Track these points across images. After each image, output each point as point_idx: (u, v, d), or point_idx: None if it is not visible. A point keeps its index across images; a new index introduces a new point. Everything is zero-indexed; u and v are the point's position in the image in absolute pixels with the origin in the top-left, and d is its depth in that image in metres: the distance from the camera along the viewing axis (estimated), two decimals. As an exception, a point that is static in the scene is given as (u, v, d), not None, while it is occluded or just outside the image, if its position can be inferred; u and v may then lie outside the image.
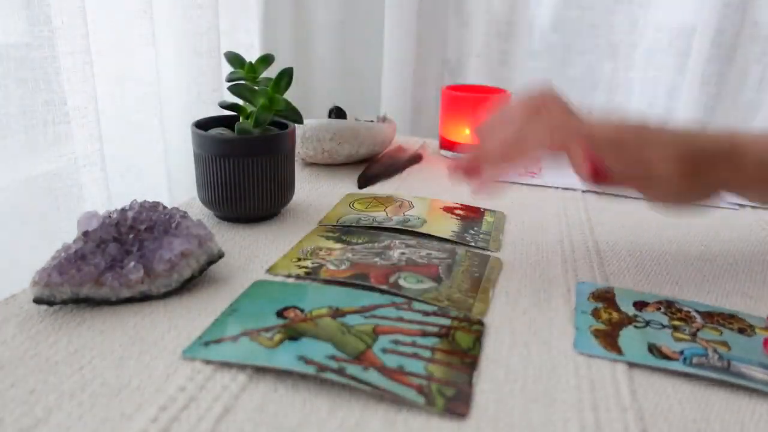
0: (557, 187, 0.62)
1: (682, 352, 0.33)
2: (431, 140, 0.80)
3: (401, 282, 0.39)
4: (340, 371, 0.29)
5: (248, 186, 0.46)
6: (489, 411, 0.28)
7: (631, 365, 0.32)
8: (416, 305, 0.36)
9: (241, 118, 0.49)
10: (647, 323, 0.36)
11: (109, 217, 0.37)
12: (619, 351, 0.33)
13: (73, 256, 0.34)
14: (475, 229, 0.49)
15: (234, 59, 0.48)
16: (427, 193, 0.58)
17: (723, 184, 0.40)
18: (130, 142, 0.72)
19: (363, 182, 0.61)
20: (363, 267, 0.41)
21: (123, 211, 0.37)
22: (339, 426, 0.26)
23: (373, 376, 0.29)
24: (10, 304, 0.35)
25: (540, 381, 0.30)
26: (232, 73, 0.47)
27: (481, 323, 0.35)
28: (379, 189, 0.59)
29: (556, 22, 1.07)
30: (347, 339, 0.32)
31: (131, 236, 0.36)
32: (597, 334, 0.34)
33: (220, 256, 0.39)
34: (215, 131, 0.47)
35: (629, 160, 0.38)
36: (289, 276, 0.39)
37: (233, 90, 0.46)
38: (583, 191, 0.60)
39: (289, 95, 0.47)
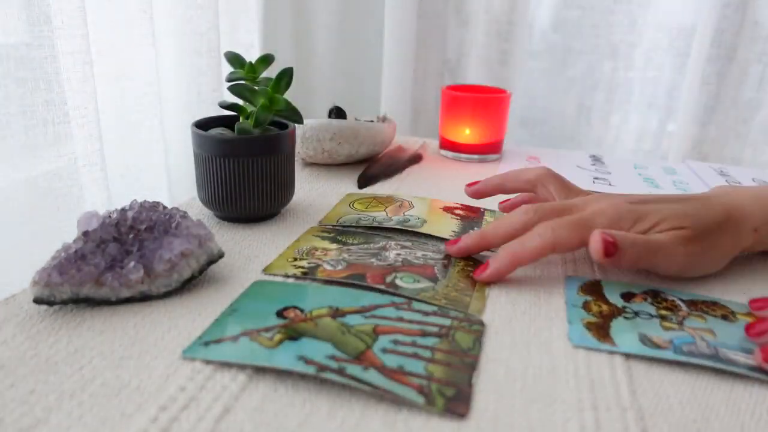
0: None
1: (672, 341, 0.33)
2: (431, 140, 0.80)
3: (398, 282, 0.39)
4: (340, 371, 0.29)
5: (248, 186, 0.46)
6: (489, 411, 0.28)
7: (628, 357, 0.32)
8: (416, 305, 0.36)
9: (241, 118, 0.49)
10: (636, 314, 0.37)
11: (109, 217, 0.37)
12: (612, 342, 0.33)
13: (73, 256, 0.34)
14: (476, 229, 0.49)
15: (234, 59, 0.48)
16: (427, 193, 0.58)
17: (729, 252, 0.42)
18: (130, 142, 0.72)
19: (363, 182, 0.61)
20: (359, 267, 0.41)
21: (123, 211, 0.37)
22: (339, 426, 0.26)
23: (373, 376, 0.29)
24: (10, 304, 0.35)
25: (540, 381, 0.30)
26: (232, 73, 0.47)
27: (481, 323, 0.35)
28: (379, 189, 0.59)
29: (556, 22, 1.07)
30: (347, 339, 0.32)
31: (131, 236, 0.36)
32: (590, 326, 0.35)
33: (220, 256, 0.39)
34: (215, 131, 0.47)
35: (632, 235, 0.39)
36: (286, 276, 0.39)
37: (233, 90, 0.46)
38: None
39: (289, 95, 0.47)
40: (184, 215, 0.39)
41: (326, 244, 0.45)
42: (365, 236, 0.47)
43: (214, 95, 0.81)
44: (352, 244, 0.45)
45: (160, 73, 0.75)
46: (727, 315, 0.37)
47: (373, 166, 0.66)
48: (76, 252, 0.34)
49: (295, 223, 0.49)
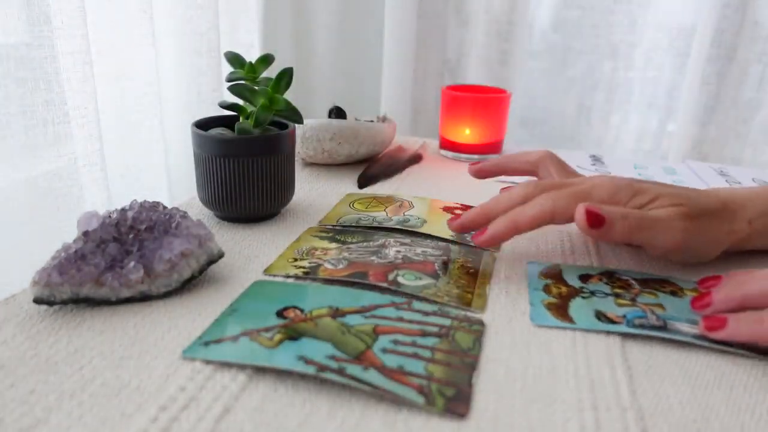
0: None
1: (624, 316, 0.36)
2: (431, 140, 0.80)
3: (400, 279, 0.39)
4: (340, 371, 0.29)
5: (248, 186, 0.46)
6: (489, 411, 0.28)
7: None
8: (416, 305, 0.36)
9: (241, 118, 0.49)
10: (592, 293, 0.39)
11: (109, 217, 0.37)
12: (570, 320, 0.35)
13: (73, 256, 0.34)
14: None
15: (234, 59, 0.48)
16: (427, 193, 0.58)
17: (723, 239, 0.43)
18: (130, 142, 0.72)
19: (363, 182, 0.61)
20: (361, 266, 0.41)
21: (123, 211, 0.37)
22: (339, 426, 0.26)
23: (373, 376, 0.29)
24: (10, 304, 0.35)
25: (540, 381, 0.30)
26: (232, 73, 0.47)
27: (481, 323, 0.35)
28: (379, 189, 0.59)
29: (556, 22, 1.07)
30: (347, 339, 0.32)
31: (131, 236, 0.36)
32: (549, 307, 0.37)
33: (220, 256, 0.39)
34: (215, 131, 0.47)
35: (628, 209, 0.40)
36: (287, 276, 0.39)
37: (233, 90, 0.46)
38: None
39: (289, 95, 0.47)
40: (184, 215, 0.39)
41: (325, 244, 0.45)
42: (364, 234, 0.47)
43: (214, 95, 0.81)
44: (352, 243, 0.45)
45: (160, 73, 0.75)
46: (676, 291, 0.40)
47: (373, 166, 0.66)
48: (76, 252, 0.34)
49: (295, 223, 0.49)
